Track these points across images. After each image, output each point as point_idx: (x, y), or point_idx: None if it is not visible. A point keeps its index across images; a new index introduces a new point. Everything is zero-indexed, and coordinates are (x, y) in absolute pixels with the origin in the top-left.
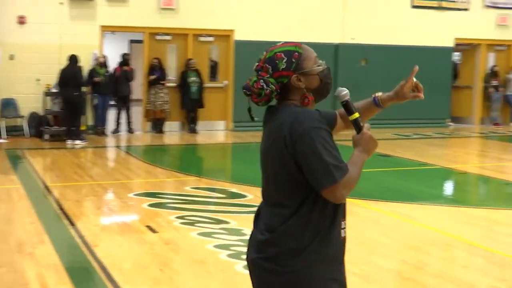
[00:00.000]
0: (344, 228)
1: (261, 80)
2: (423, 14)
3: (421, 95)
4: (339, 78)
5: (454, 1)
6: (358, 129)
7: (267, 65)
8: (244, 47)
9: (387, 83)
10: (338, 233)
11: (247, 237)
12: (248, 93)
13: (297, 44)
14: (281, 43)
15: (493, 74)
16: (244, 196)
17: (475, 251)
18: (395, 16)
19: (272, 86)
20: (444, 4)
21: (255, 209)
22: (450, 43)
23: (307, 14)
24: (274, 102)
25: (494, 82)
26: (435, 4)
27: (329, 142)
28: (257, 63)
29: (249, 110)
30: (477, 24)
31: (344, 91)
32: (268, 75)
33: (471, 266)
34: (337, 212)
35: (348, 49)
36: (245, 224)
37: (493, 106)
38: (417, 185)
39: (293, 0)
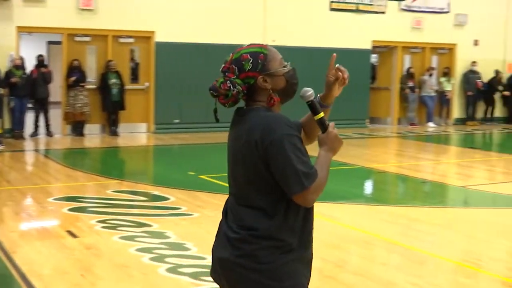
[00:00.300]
0: (312, 229)
1: (228, 81)
2: (342, 17)
3: (345, 74)
4: None
5: (371, 5)
6: (324, 128)
7: (234, 66)
8: (165, 48)
9: (308, 85)
10: (309, 233)
11: (170, 240)
12: (215, 94)
13: (263, 46)
14: (247, 44)
15: (409, 75)
16: (166, 199)
17: (394, 249)
18: (314, 18)
19: (239, 87)
20: (361, 7)
21: (177, 211)
22: (368, 46)
23: (228, 16)
24: (241, 103)
25: (410, 84)
26: (353, 7)
27: (300, 149)
28: (223, 64)
29: (215, 111)
30: (393, 27)
31: (309, 92)
32: (234, 76)
33: (390, 263)
34: (309, 213)
35: None
36: (168, 227)
37: (410, 106)
38: (337, 185)
39: (214, 2)
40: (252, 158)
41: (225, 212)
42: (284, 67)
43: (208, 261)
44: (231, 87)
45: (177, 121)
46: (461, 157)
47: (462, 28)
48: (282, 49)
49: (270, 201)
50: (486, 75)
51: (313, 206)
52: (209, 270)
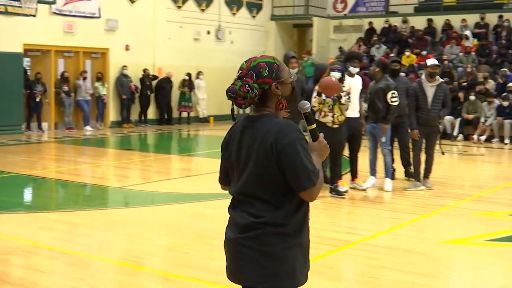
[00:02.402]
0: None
1: (247, 85)
2: None
3: None
4: None
5: (20, 7)
6: (315, 137)
7: (252, 72)
8: None
9: None
10: (307, 223)
11: None
12: (233, 96)
13: (274, 58)
14: (260, 55)
15: (63, 79)
16: None
17: (54, 255)
18: None
19: (256, 91)
20: (10, 9)
21: None
22: (20, 49)
23: None
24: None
25: (65, 88)
26: (1, 9)
27: (308, 151)
28: (240, 71)
29: (232, 111)
30: (45, 30)
31: (307, 104)
32: (252, 81)
33: (50, 270)
34: (308, 207)
35: None
36: None
37: (66, 111)
38: None
39: None
40: (266, 158)
41: (232, 205)
42: (291, 76)
43: None
44: (250, 90)
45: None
46: (119, 158)
47: (113, 33)
48: None
49: (276, 196)
50: (138, 78)
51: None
52: None
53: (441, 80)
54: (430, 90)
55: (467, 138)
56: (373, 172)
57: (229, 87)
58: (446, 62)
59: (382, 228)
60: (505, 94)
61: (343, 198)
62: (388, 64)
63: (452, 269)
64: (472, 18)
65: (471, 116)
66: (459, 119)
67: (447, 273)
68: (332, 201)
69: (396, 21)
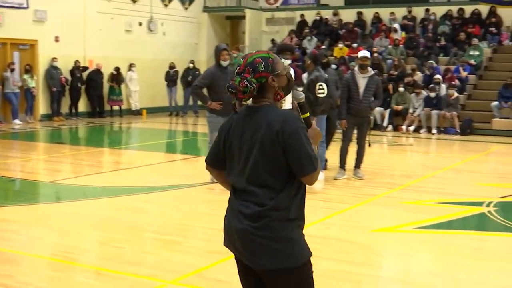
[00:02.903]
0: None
1: (245, 80)
2: None
3: None
4: None
5: None
6: (309, 125)
7: (249, 68)
8: None
9: None
10: (304, 206)
11: None
12: (233, 91)
13: (269, 52)
14: (255, 51)
15: None
16: None
17: None
18: None
19: (254, 85)
20: None
21: None
22: None
23: None
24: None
25: None
26: None
27: (308, 138)
28: (238, 67)
29: (234, 105)
30: None
31: (302, 95)
32: (250, 76)
33: None
34: (305, 191)
35: None
36: None
37: None
38: None
39: None
40: (272, 144)
41: (234, 192)
42: (285, 68)
43: None
44: (249, 85)
45: None
46: (49, 152)
47: (42, 24)
48: None
49: (280, 181)
50: (68, 71)
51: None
52: None
53: (372, 72)
54: (362, 81)
55: (396, 128)
56: None
57: (229, 83)
58: (375, 54)
59: (315, 218)
60: (432, 85)
61: None
62: (318, 56)
63: (383, 256)
64: (400, 11)
65: (400, 107)
66: (388, 110)
67: (378, 260)
68: None
69: (327, 14)
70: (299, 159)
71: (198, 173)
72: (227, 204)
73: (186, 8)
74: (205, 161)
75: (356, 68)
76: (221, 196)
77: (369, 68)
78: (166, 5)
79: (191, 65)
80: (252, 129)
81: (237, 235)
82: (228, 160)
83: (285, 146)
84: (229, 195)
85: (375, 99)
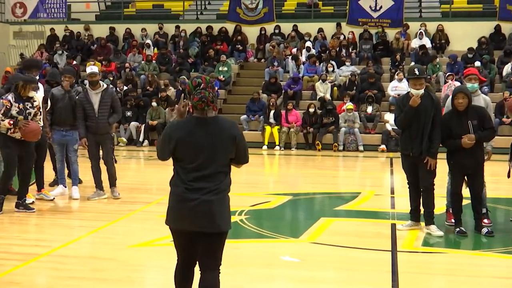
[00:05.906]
0: None
1: (211, 93)
2: None
3: None
4: None
5: None
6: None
7: (210, 84)
8: None
9: None
10: None
11: None
12: (206, 102)
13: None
14: (198, 74)
15: None
16: None
17: None
18: None
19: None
20: None
21: None
22: None
23: None
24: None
25: None
26: None
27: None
28: (203, 84)
29: (206, 113)
30: None
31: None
32: (213, 90)
33: None
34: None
35: None
36: None
37: None
38: None
39: None
40: (229, 144)
41: (193, 177)
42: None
43: None
44: (214, 97)
45: None
46: None
47: None
48: None
49: (228, 168)
50: None
51: None
52: None
53: (105, 85)
54: (95, 97)
55: (152, 143)
56: (62, 181)
57: (201, 95)
58: (127, 70)
59: (70, 238)
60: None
61: (33, 212)
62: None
63: (141, 271)
64: (152, 28)
65: (155, 122)
66: (143, 125)
67: (136, 276)
68: (20, 215)
69: (78, 28)
70: (243, 153)
71: None
72: None
73: None
74: (162, 159)
75: (87, 85)
76: None
77: (101, 83)
78: None
79: None
80: (214, 133)
81: (201, 207)
82: (187, 156)
83: (239, 145)
84: (176, 183)
85: (113, 113)
